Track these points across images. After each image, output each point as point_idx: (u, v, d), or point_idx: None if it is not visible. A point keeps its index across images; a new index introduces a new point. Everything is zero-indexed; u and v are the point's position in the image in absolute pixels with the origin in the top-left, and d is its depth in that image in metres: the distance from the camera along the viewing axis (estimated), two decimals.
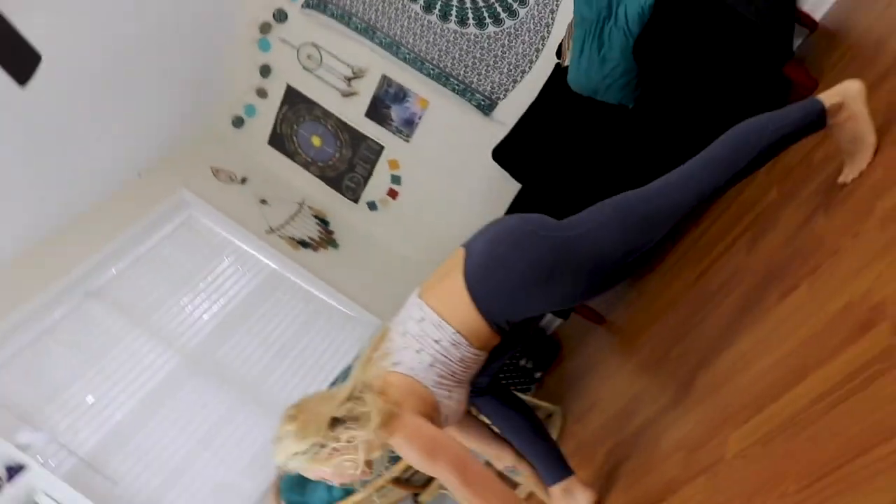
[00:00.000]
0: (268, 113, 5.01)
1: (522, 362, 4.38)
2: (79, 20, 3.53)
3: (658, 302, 3.07)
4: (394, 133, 4.66)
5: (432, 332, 1.99)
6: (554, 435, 3.21)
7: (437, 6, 4.10)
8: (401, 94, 4.49)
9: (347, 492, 3.19)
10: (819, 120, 1.92)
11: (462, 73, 4.25)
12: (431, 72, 4.32)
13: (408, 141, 4.66)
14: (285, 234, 4.89)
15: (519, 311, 2.03)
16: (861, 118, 1.90)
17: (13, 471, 3.40)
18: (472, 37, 4.11)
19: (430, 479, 3.51)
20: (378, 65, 4.44)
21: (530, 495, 2.61)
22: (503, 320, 2.02)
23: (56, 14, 3.33)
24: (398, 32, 4.27)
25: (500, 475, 2.49)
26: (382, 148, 4.76)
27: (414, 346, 2.00)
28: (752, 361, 1.86)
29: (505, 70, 4.14)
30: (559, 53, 3.56)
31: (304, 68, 4.69)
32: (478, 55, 4.15)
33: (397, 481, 3.37)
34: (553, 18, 3.88)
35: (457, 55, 4.20)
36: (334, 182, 5.08)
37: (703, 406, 1.99)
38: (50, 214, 4.11)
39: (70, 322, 4.04)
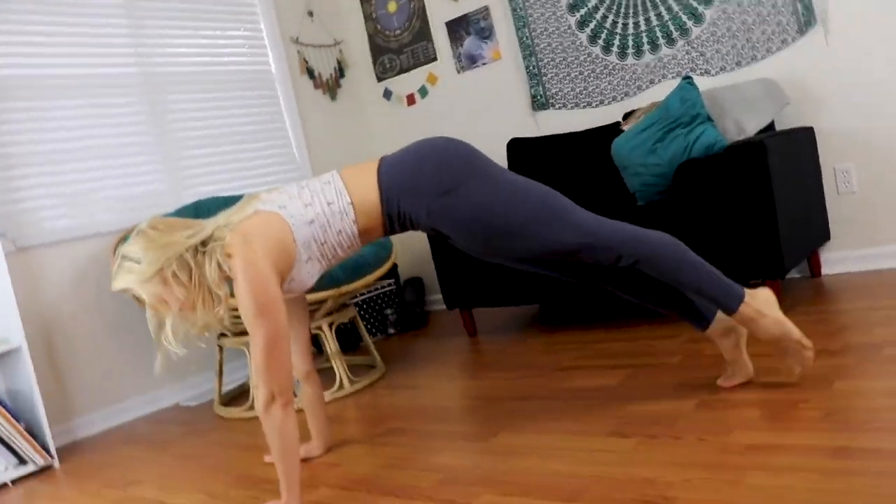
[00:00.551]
0: None
1: (388, 311, 4.46)
2: None
3: (525, 356, 3.18)
4: (453, 56, 4.65)
5: (329, 195, 2.06)
6: (361, 385, 3.30)
7: (585, 12, 4.09)
8: (485, 33, 4.47)
9: None
10: (727, 307, 2.07)
11: (546, 63, 4.26)
12: (524, 40, 4.31)
13: (459, 72, 4.65)
14: (304, 51, 4.83)
15: (410, 206, 2.07)
16: (742, 348, 2.19)
17: None
18: (585, 49, 4.11)
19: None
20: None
21: (300, 411, 2.68)
22: (395, 209, 2.07)
23: None
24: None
25: None
26: (435, 59, 4.74)
27: (306, 199, 2.06)
28: (549, 457, 1.97)
29: (580, 94, 4.16)
30: (625, 117, 3.61)
31: None
32: (573, 63, 4.16)
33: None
34: (645, 87, 3.92)
35: (556, 48, 4.20)
36: (376, 49, 5.03)
37: (487, 457, 2.10)
38: None
39: None
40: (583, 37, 4.10)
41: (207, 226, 2.01)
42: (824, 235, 3.41)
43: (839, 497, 1.44)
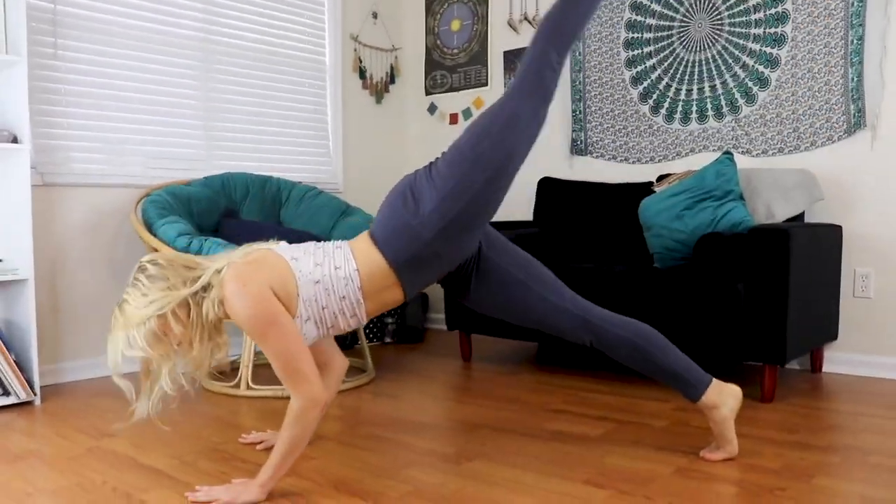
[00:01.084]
0: None
1: (389, 320, 4.48)
2: None
3: (514, 390, 3.18)
4: (504, 85, 4.69)
5: (338, 259, 2.06)
6: (348, 386, 3.31)
7: (641, 70, 4.13)
8: None
9: None
10: (689, 394, 2.24)
11: (594, 111, 4.30)
12: (576, 84, 4.35)
13: None
14: (360, 50, 4.89)
15: (410, 242, 2.07)
16: (723, 426, 2.22)
17: None
18: (634, 106, 4.15)
19: None
20: None
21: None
22: (403, 256, 2.07)
23: None
24: (595, 47, 4.28)
25: None
26: (485, 85, 4.79)
27: (318, 258, 2.06)
28: (519, 492, 1.98)
29: (619, 147, 4.19)
30: (659, 179, 3.64)
31: None
32: (620, 117, 4.19)
33: None
34: (684, 154, 3.94)
35: (606, 98, 4.24)
36: (430, 63, 5.09)
37: (457, 479, 2.10)
38: None
39: None
40: (635, 93, 4.14)
41: (209, 269, 1.97)
42: (832, 334, 3.41)
43: None
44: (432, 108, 5.09)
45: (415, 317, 4.64)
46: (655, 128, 4.07)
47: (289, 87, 4.55)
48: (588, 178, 4.30)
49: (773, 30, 3.66)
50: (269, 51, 4.44)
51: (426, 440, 2.53)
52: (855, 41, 3.41)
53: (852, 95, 3.42)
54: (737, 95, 3.77)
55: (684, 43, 3.95)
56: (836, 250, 3.41)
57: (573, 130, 4.39)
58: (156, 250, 3.25)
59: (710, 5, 3.85)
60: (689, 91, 3.94)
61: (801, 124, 3.58)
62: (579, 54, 4.33)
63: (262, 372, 3.47)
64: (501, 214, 4.65)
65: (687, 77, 3.95)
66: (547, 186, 4.18)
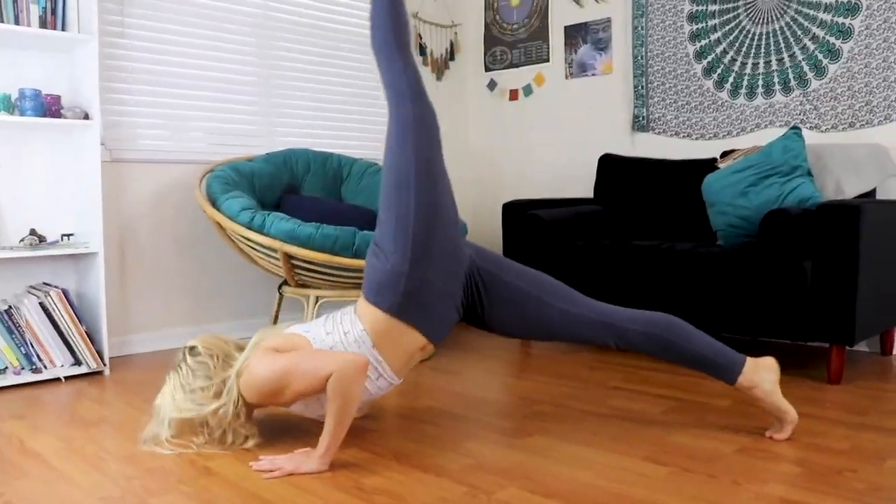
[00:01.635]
0: None
1: None
2: None
3: (573, 367, 3.17)
4: (565, 61, 4.64)
5: (346, 324, 2.16)
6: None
7: (705, 44, 4.03)
8: (601, 44, 4.45)
9: None
10: (725, 377, 2.22)
11: (656, 86, 4.22)
12: (639, 59, 4.28)
13: (567, 78, 4.64)
14: (420, 27, 4.88)
15: (388, 279, 2.15)
16: (770, 401, 2.18)
17: None
18: (698, 80, 4.07)
19: None
20: (619, 13, 4.38)
21: None
22: (397, 297, 2.13)
23: None
24: (658, 21, 4.20)
25: None
26: (546, 61, 4.74)
27: (328, 327, 2.17)
28: (579, 467, 1.97)
29: (682, 124, 4.12)
30: (723, 155, 3.57)
31: None
32: (683, 92, 4.12)
33: None
34: (749, 130, 3.85)
35: (668, 73, 4.16)
36: (490, 39, 5.05)
37: (518, 453, 2.10)
38: None
39: None
40: (698, 68, 4.05)
41: (240, 358, 2.18)
42: None
43: None
44: (492, 85, 5.06)
45: None
46: (720, 103, 3.98)
47: (348, 65, 4.57)
48: (650, 154, 4.24)
49: None
50: (329, 28, 4.46)
51: (486, 415, 2.54)
52: None
53: None
54: (805, 68, 3.66)
55: (751, 15, 3.84)
56: None
57: (635, 107, 4.32)
58: (220, 224, 3.31)
59: None
60: (756, 65, 3.84)
61: (874, 97, 3.46)
62: (641, 29, 4.25)
63: None
64: (561, 191, 4.63)
65: (753, 50, 3.85)
66: (608, 163, 4.13)
